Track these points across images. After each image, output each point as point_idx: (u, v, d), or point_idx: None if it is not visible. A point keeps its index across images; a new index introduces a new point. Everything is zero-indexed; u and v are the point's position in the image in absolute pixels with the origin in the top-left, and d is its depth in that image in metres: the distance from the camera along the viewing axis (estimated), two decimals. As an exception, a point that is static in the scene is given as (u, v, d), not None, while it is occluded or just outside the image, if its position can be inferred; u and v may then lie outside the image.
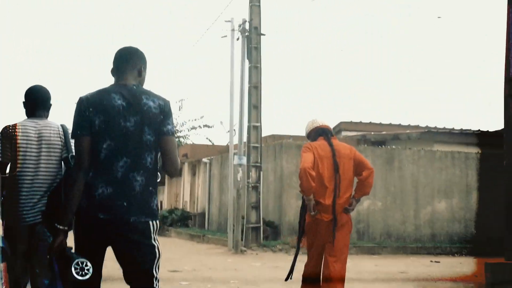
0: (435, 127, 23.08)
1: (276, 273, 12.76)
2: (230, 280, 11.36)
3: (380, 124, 27.66)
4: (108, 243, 3.90)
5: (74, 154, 4.71)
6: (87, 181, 3.86)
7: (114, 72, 4.05)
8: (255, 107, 18.25)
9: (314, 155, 6.68)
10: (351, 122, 27.62)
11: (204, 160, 26.05)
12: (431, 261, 16.50)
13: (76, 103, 3.93)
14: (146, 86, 4.16)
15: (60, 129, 5.16)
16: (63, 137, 5.13)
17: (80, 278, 3.75)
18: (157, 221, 3.98)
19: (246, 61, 18.17)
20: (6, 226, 5.04)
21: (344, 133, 27.01)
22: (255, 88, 18.28)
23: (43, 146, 5.06)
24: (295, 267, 7.38)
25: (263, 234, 18.38)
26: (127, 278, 3.95)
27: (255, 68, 18.29)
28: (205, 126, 33.04)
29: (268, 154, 19.43)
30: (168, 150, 3.95)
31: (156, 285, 3.94)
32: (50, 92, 5.39)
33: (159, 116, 3.93)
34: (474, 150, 21.04)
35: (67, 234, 3.89)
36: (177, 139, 31.73)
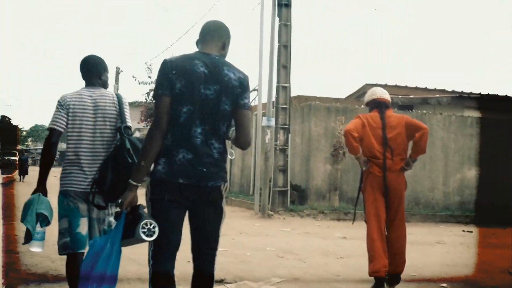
0: (465, 92, 22.37)
1: (308, 240, 12.36)
2: (266, 247, 10.95)
3: (406, 87, 26.96)
4: (186, 206, 4.01)
5: (128, 124, 5.08)
6: (166, 146, 3.94)
7: (200, 42, 4.17)
8: (284, 67, 17.66)
9: (363, 124, 7.12)
10: (376, 85, 26.94)
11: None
12: (463, 231, 16.06)
13: (161, 64, 3.98)
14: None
15: (115, 98, 5.21)
16: (117, 107, 5.18)
17: (145, 238, 3.80)
18: (227, 183, 4.16)
19: (277, 19, 17.52)
20: (63, 190, 5.08)
21: (368, 96, 26.38)
22: (284, 47, 17.66)
23: (99, 115, 5.12)
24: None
25: (290, 198, 17.95)
26: (197, 236, 4.10)
27: (285, 26, 17.65)
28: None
29: (295, 116, 18.88)
30: (243, 123, 4.07)
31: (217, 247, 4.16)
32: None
33: (237, 89, 4.04)
34: (505, 116, 20.43)
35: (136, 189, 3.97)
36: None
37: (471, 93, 22.02)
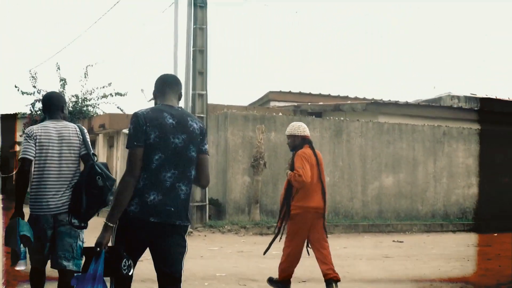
0: (380, 99, 22.03)
1: (253, 262, 11.24)
2: (214, 273, 9.74)
3: (310, 94, 26.45)
4: (150, 242, 4.46)
5: (92, 152, 5.70)
6: (139, 188, 4.35)
7: (158, 94, 4.67)
8: (200, 73, 16.45)
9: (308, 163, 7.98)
10: (280, 92, 26.25)
11: (125, 131, 23.87)
12: (394, 241, 15.47)
13: (132, 117, 4.44)
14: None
15: (77, 129, 5.76)
16: (80, 136, 5.74)
17: (126, 274, 4.32)
18: (190, 223, 4.69)
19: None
20: (32, 215, 5.61)
21: (272, 103, 25.62)
22: (200, 52, 16.46)
23: (64, 144, 5.66)
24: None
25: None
26: (162, 268, 4.48)
27: (201, 30, 16.45)
28: (117, 94, 30.54)
29: (209, 126, 17.68)
30: (204, 165, 4.66)
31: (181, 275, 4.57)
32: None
33: (199, 136, 4.61)
34: (420, 122, 20.19)
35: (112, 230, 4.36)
36: (85, 108, 29.45)
37: (387, 100, 21.69)
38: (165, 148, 4.44)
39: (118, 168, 25.00)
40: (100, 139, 26.37)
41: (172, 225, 4.43)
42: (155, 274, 4.60)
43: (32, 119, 30.60)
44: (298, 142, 8.17)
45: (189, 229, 15.28)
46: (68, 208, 5.50)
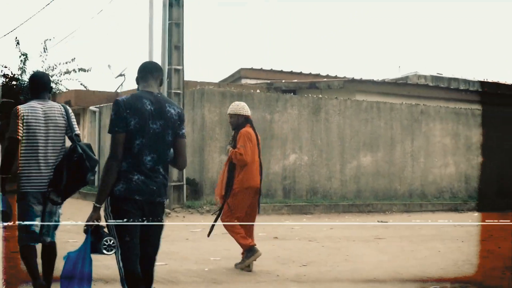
0: (358, 77, 21.56)
1: (232, 243, 10.69)
2: (207, 256, 9.19)
3: (282, 71, 25.87)
4: (139, 217, 4.77)
5: (77, 132, 5.97)
6: (124, 170, 4.71)
7: (140, 80, 4.95)
8: (176, 47, 15.72)
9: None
10: (251, 69, 25.62)
11: (92, 108, 23.04)
12: (379, 221, 15.10)
13: (113, 104, 4.71)
14: None
15: (62, 109, 5.96)
16: (65, 117, 5.93)
17: (107, 253, 4.68)
18: (167, 199, 5.45)
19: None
20: (22, 192, 5.82)
21: (244, 81, 24.98)
22: (176, 25, 15.72)
23: (50, 124, 5.85)
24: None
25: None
26: (144, 243, 4.81)
27: (176, 2, 15.71)
28: (80, 70, 29.45)
29: (185, 102, 16.98)
30: (181, 149, 4.94)
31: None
32: None
33: (177, 122, 4.86)
34: (396, 101, 19.83)
35: (99, 210, 4.70)
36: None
37: (361, 78, 21.23)
38: (144, 133, 4.75)
39: (85, 147, 24.16)
40: (65, 117, 25.40)
41: (153, 202, 4.84)
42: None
43: (-8, 96, 29.48)
44: (241, 121, 8.61)
45: (167, 210, 14.81)
46: (48, 184, 5.82)
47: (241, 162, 8.27)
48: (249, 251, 8.25)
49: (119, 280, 4.78)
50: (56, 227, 6.07)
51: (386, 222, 14.97)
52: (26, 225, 5.81)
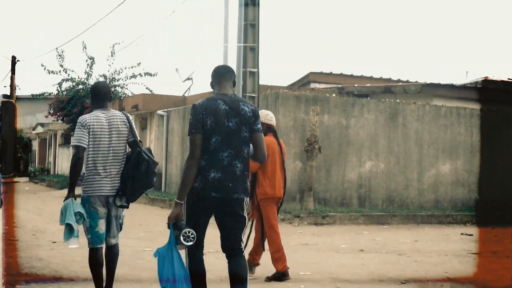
0: (435, 82, 20.70)
1: (331, 257, 10.06)
2: (298, 271, 8.59)
3: (352, 76, 25.15)
4: (214, 213, 5.24)
5: (139, 139, 6.36)
6: (201, 167, 5.10)
7: (215, 84, 5.39)
8: (251, 49, 15.14)
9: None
10: (321, 73, 24.98)
11: (160, 112, 22.72)
12: (462, 234, 14.25)
13: (191, 108, 5.21)
14: None
15: (124, 117, 6.26)
16: (128, 124, 6.23)
17: (186, 243, 5.07)
18: (248, 196, 5.31)
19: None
20: (88, 196, 6.14)
21: (313, 85, 24.33)
22: (252, 26, 15.18)
23: (113, 132, 6.16)
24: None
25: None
26: (225, 238, 5.28)
27: (252, 2, 15.19)
28: (146, 74, 29.34)
29: (259, 106, 16.46)
30: (259, 143, 5.29)
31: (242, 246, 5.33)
32: None
33: (251, 118, 5.25)
34: (476, 106, 18.89)
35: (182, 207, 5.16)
36: (113, 89, 28.29)
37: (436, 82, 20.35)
38: (220, 131, 5.10)
39: (152, 151, 23.82)
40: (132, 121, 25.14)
41: (230, 199, 5.15)
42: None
43: (58, 100, 29.53)
44: (263, 130, 8.01)
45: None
46: (117, 189, 6.15)
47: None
48: (283, 275, 7.96)
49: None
50: (120, 229, 6.39)
51: (471, 235, 14.10)
52: (91, 227, 6.12)
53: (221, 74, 5.35)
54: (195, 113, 5.11)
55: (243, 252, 5.30)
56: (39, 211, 17.71)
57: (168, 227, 5.17)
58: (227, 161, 5.10)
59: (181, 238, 5.01)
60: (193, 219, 5.13)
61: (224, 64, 5.67)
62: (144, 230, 13.50)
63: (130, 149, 6.30)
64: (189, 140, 5.15)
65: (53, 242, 10.69)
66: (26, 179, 38.37)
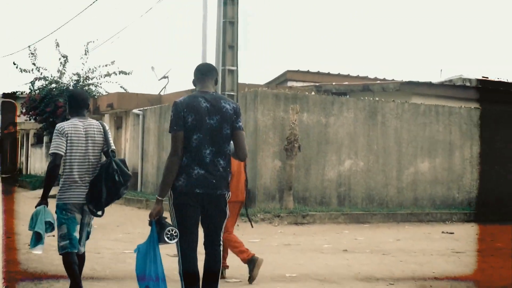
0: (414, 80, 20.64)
1: (315, 257, 9.88)
2: (283, 272, 8.40)
3: (329, 74, 25.05)
4: (199, 209, 5.24)
5: (113, 148, 6.32)
6: (184, 165, 5.15)
7: (197, 82, 5.44)
8: (230, 47, 14.91)
9: None
10: (298, 71, 24.84)
11: (135, 111, 22.40)
12: (443, 232, 14.18)
13: (172, 105, 5.27)
14: None
15: (100, 127, 6.36)
16: (103, 134, 6.33)
17: (169, 241, 5.07)
18: (229, 192, 5.41)
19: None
20: (63, 203, 6.17)
21: (290, 83, 24.20)
22: (230, 23, 14.96)
23: (89, 141, 6.25)
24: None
25: (236, 200, 15.34)
26: (207, 234, 5.36)
27: (231, 1, 14.98)
28: (121, 72, 28.90)
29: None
30: (240, 141, 5.33)
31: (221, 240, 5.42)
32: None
33: (233, 116, 5.29)
34: (455, 104, 18.88)
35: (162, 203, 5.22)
36: (86, 87, 27.86)
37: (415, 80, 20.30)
38: (202, 128, 5.15)
39: (127, 150, 23.54)
40: (106, 120, 24.82)
41: (214, 195, 5.23)
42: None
43: (31, 98, 29.01)
44: None
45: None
46: (86, 198, 6.12)
47: None
48: (250, 263, 7.71)
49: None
50: (88, 237, 6.43)
51: (452, 233, 14.03)
52: (68, 233, 6.10)
53: (203, 72, 5.41)
54: (177, 110, 5.15)
55: (221, 246, 5.36)
56: (13, 213, 17.31)
57: (150, 224, 5.17)
58: (209, 158, 5.16)
59: (165, 236, 5.02)
60: (181, 219, 5.16)
61: (207, 63, 5.59)
62: (122, 232, 13.22)
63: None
64: (171, 138, 5.19)
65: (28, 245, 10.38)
66: (-4, 179, 37.71)
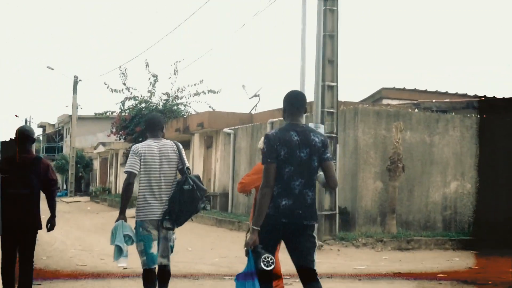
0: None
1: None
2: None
3: (426, 91, 23.91)
4: (284, 239, 5.38)
5: (187, 166, 6.76)
6: (274, 195, 5.29)
7: (287, 115, 5.52)
8: (330, 61, 14.23)
9: None
10: (394, 89, 23.82)
11: (226, 130, 21.89)
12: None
13: (264, 138, 5.43)
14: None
15: (174, 146, 6.76)
16: (177, 152, 6.73)
17: (266, 268, 5.12)
18: (318, 222, 5.58)
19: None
20: (141, 220, 6.54)
21: (385, 101, 23.16)
22: (330, 37, 14.25)
23: (164, 160, 6.66)
24: None
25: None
26: (297, 261, 5.35)
27: (331, 12, 14.26)
28: (210, 91, 28.66)
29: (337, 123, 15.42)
30: (330, 170, 5.42)
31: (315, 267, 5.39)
32: None
33: (321, 148, 5.40)
34: None
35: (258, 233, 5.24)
36: (175, 107, 27.62)
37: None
38: (293, 161, 5.29)
39: (217, 170, 23.03)
40: (196, 139, 24.46)
41: (301, 225, 5.30)
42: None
43: (121, 118, 29.05)
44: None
45: (319, 243, 13.02)
46: (164, 212, 6.51)
47: (238, 190, 7.94)
48: None
49: None
50: (172, 250, 6.68)
51: None
52: (144, 250, 6.48)
53: (293, 105, 5.50)
54: (270, 143, 5.31)
55: (317, 275, 5.36)
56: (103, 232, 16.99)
57: (246, 254, 5.28)
58: (298, 190, 5.29)
59: (261, 263, 5.11)
60: (266, 244, 5.26)
61: (299, 92, 5.81)
62: (218, 255, 12.58)
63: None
64: (263, 169, 5.32)
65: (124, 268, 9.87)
66: (87, 198, 38.10)
